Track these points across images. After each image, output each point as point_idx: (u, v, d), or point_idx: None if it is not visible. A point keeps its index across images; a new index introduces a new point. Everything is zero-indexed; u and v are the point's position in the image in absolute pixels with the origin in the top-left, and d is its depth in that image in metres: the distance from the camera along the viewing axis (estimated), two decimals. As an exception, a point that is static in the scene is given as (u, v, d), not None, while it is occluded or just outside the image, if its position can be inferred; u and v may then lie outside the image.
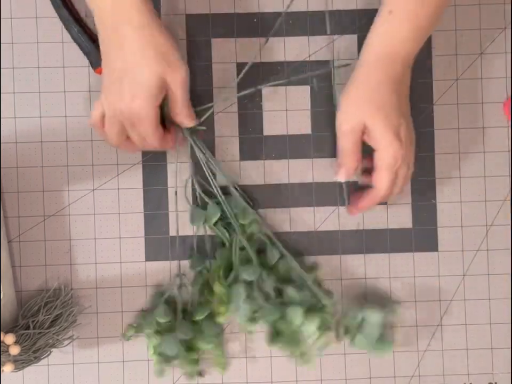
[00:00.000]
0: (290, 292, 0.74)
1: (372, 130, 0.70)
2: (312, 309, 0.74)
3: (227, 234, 0.76)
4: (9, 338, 0.71)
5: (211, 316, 0.76)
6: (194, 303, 0.77)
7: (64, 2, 0.75)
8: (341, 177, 0.73)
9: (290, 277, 0.76)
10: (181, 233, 0.78)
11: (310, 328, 0.73)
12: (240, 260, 0.75)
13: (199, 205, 0.77)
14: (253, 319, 0.74)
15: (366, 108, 0.70)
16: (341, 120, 0.71)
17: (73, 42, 0.77)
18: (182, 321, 0.75)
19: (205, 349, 0.76)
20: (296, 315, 0.73)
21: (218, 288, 0.75)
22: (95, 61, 0.75)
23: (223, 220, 0.77)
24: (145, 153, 0.78)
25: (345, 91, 0.72)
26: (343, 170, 0.72)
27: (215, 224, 0.76)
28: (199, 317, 0.75)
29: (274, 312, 0.74)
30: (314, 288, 0.76)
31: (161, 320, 0.75)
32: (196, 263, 0.77)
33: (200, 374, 0.78)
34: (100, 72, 0.73)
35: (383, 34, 0.71)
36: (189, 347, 0.75)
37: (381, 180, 0.72)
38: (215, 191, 0.77)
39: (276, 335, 0.75)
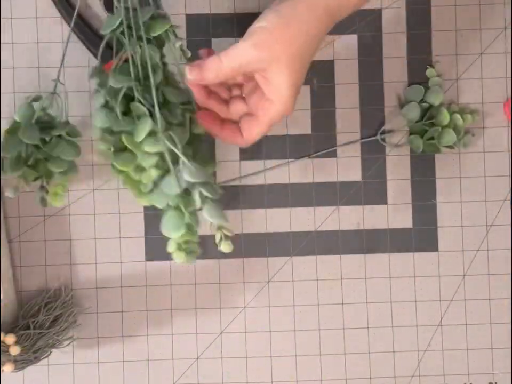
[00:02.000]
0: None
1: (275, 77, 0.61)
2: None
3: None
4: (9, 339, 0.71)
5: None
6: None
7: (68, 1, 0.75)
8: (191, 75, 0.63)
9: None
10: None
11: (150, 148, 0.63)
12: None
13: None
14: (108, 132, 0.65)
15: (285, 50, 0.61)
16: (254, 40, 0.61)
17: (74, 42, 0.77)
18: None
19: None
20: (143, 130, 0.62)
21: None
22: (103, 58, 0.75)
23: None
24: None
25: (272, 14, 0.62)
26: (200, 73, 0.63)
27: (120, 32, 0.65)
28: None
29: (126, 124, 0.63)
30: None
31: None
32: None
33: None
34: (108, 68, 0.72)
35: None
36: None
37: (253, 130, 0.64)
38: None
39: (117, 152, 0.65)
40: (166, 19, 0.66)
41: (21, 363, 0.72)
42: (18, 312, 0.76)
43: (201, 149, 0.68)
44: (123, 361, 0.78)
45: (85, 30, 0.76)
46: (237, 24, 0.78)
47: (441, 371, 0.79)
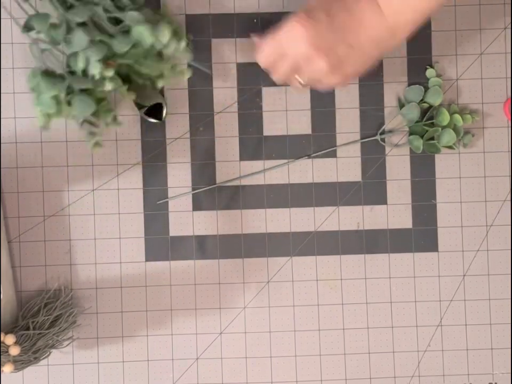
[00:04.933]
0: (131, 14, 0.69)
1: None
2: (157, 24, 0.69)
3: None
4: (9, 339, 0.71)
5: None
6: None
7: None
8: (259, 59, 0.70)
9: (126, 5, 0.71)
10: (180, 234, 0.78)
11: (165, 37, 0.69)
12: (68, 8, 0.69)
13: None
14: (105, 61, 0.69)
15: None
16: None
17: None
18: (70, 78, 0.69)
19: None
20: (144, 32, 0.68)
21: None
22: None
23: None
24: (145, 154, 0.78)
25: None
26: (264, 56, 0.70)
27: None
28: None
29: (123, 42, 0.68)
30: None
31: (52, 94, 0.68)
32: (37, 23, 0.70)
33: (115, 119, 0.73)
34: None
35: None
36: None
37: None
38: None
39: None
40: None
41: (20, 363, 0.72)
42: (18, 313, 0.76)
43: None
44: (123, 361, 0.78)
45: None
46: (237, 24, 0.78)
47: (441, 371, 0.79)
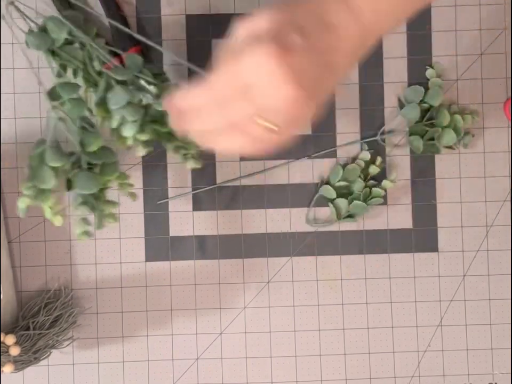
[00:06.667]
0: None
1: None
2: None
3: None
4: (9, 339, 0.71)
5: (104, 147, 0.67)
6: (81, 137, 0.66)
7: None
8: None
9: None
10: (180, 234, 0.78)
11: None
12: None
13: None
14: (139, 128, 0.66)
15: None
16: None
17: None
18: (82, 154, 0.66)
19: (113, 179, 0.68)
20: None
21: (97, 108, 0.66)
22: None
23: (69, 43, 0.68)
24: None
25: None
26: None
27: (62, 47, 0.67)
28: (94, 147, 0.65)
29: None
30: None
31: (56, 165, 0.64)
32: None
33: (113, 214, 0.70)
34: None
35: None
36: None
37: None
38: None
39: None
40: None
41: (20, 364, 0.72)
42: (18, 313, 0.76)
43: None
44: (123, 362, 0.78)
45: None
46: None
47: (441, 371, 0.79)
